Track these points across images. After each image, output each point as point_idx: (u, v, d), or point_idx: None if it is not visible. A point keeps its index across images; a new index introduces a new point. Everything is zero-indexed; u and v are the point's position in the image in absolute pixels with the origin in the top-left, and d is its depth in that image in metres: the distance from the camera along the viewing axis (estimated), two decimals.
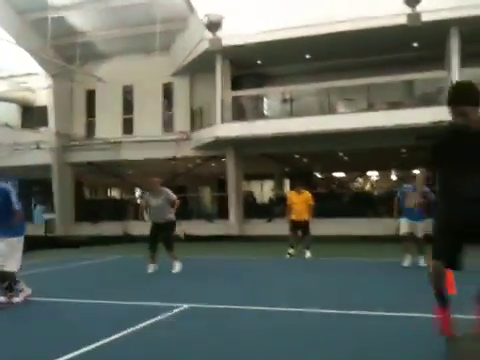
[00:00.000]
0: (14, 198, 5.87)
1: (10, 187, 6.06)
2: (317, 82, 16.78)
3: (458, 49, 14.62)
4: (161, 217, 8.71)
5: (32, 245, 14.91)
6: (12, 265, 5.86)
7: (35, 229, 19.84)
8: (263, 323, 4.97)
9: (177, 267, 8.72)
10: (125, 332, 4.54)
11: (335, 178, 24.40)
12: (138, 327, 4.74)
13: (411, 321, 4.82)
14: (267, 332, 4.55)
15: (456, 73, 14.59)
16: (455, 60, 14.65)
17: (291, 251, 10.91)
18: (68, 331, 4.79)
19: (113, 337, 4.35)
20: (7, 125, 20.63)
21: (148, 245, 8.83)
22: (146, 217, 9.31)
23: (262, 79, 18.99)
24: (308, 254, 10.85)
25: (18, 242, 5.96)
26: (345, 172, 23.81)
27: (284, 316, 5.25)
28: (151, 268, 8.71)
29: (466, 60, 14.44)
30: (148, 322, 4.94)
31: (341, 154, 19.54)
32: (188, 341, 4.32)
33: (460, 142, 3.23)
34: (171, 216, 8.80)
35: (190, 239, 17.05)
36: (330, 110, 16.71)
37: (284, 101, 18.03)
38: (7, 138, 19.85)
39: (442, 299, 3.42)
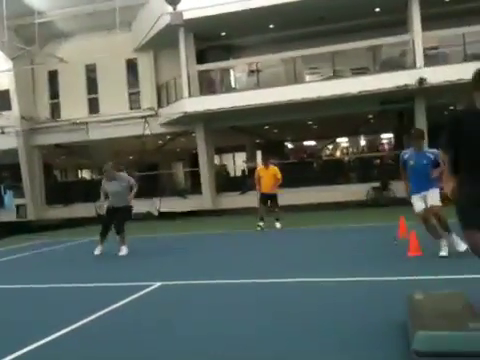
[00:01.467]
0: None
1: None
2: (282, 52, 16.70)
3: (419, 12, 14.69)
4: (119, 202, 8.68)
5: (3, 231, 14.85)
6: None
7: (6, 215, 19.61)
8: (233, 296, 5.08)
9: (123, 251, 8.66)
10: (100, 313, 4.60)
11: (306, 147, 24.55)
12: (112, 307, 4.80)
13: (363, 285, 5.00)
14: (238, 305, 4.66)
15: (419, 37, 14.72)
16: (417, 24, 14.75)
17: (261, 224, 11.10)
18: (42, 316, 4.81)
19: (86, 319, 4.39)
20: None
21: (101, 228, 8.84)
22: (100, 202, 9.25)
23: (228, 51, 18.80)
24: (278, 225, 11.13)
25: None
26: (315, 140, 23.97)
27: (254, 288, 5.37)
28: (99, 250, 8.73)
29: (427, 23, 14.53)
30: (122, 302, 5.00)
31: (310, 123, 19.65)
32: (160, 318, 4.40)
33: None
34: (128, 202, 8.78)
35: (164, 216, 17.08)
36: (297, 79, 16.70)
37: (251, 72, 17.92)
38: None
39: None
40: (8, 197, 21.57)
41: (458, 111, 3.48)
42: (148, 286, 5.69)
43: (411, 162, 6.11)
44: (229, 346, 3.47)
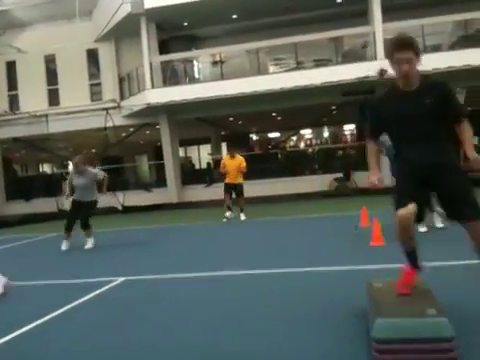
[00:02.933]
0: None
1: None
2: (246, 42, 16.65)
3: (380, 4, 14.89)
4: (84, 196, 8.59)
5: None
6: None
7: None
8: (197, 289, 5.05)
9: (89, 243, 8.64)
10: (61, 310, 4.49)
11: (270, 138, 24.67)
12: (76, 303, 4.71)
13: (330, 274, 5.06)
14: (202, 298, 4.63)
15: (379, 28, 14.93)
16: (378, 15, 14.95)
17: (228, 214, 11.12)
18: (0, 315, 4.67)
19: (47, 317, 4.29)
20: None
21: (66, 223, 8.71)
22: (66, 194, 9.10)
23: (191, 41, 18.62)
24: (243, 216, 11.15)
25: None
26: (279, 132, 24.12)
27: (218, 281, 5.35)
28: (65, 245, 8.64)
29: (388, 14, 14.75)
30: (83, 299, 4.90)
31: (274, 114, 19.73)
32: (123, 313, 4.33)
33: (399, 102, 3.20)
34: (93, 196, 8.70)
35: (128, 210, 16.85)
36: (260, 71, 16.69)
37: (214, 63, 17.81)
38: None
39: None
40: None
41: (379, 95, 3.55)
42: (111, 281, 5.59)
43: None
44: (185, 339, 3.44)
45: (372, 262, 5.22)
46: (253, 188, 13.66)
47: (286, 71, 16.80)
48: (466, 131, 3.21)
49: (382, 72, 14.16)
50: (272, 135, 24.83)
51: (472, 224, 3.11)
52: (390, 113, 3.23)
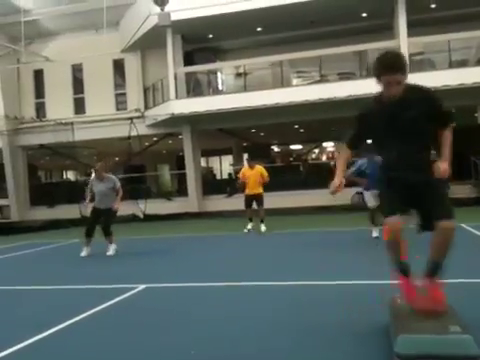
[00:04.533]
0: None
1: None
2: (270, 55, 16.75)
3: (405, 18, 14.85)
4: (104, 204, 8.67)
5: None
6: None
7: None
8: (216, 298, 5.06)
9: (111, 250, 8.70)
10: (84, 315, 4.55)
11: (292, 150, 24.65)
12: (97, 309, 4.76)
13: (352, 287, 5.02)
14: (221, 308, 4.64)
15: (405, 42, 14.86)
16: (403, 29, 14.90)
17: (249, 226, 11.10)
18: (21, 319, 4.73)
19: (69, 322, 4.34)
20: None
21: (86, 229, 8.80)
22: (86, 202, 9.24)
23: (215, 53, 18.82)
24: (263, 228, 11.06)
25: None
26: (301, 144, 24.08)
27: (237, 291, 5.35)
28: (85, 252, 8.69)
29: (413, 29, 14.69)
30: (104, 305, 4.95)
31: (297, 126, 19.72)
32: (143, 320, 4.36)
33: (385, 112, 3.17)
34: (113, 202, 8.73)
35: (149, 218, 16.97)
36: (284, 83, 16.75)
37: (238, 75, 17.94)
38: None
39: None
40: None
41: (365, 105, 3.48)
42: (132, 288, 5.64)
43: (367, 171, 7.86)
44: (211, 347, 3.44)
45: (394, 277, 5.15)
46: (274, 200, 13.66)
47: (309, 84, 16.82)
48: (448, 138, 3.25)
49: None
50: (294, 147, 24.81)
51: (444, 223, 3.01)
52: (376, 122, 3.21)
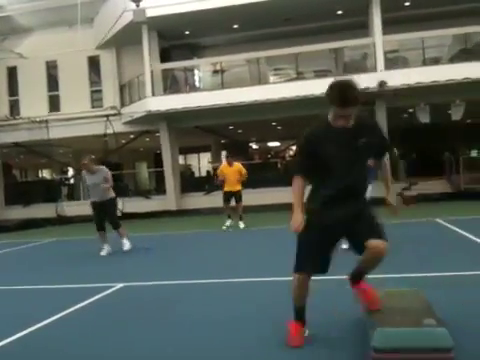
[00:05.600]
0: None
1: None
2: (246, 52, 16.75)
3: (380, 16, 15.02)
4: (99, 196, 8.56)
5: None
6: None
7: None
8: (194, 296, 5.07)
9: (127, 245, 8.65)
10: (61, 314, 4.54)
11: (270, 148, 24.73)
12: (73, 309, 4.75)
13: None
14: (198, 305, 4.65)
15: (380, 40, 15.04)
16: (378, 27, 15.07)
17: (228, 223, 11.16)
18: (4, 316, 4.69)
19: (46, 321, 4.34)
20: None
21: (96, 226, 8.65)
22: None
23: (192, 50, 18.72)
24: (242, 225, 11.20)
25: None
26: (279, 141, 24.18)
27: (216, 288, 5.37)
28: (104, 250, 8.55)
29: (388, 27, 14.87)
30: (84, 303, 4.95)
31: (274, 124, 19.79)
32: (122, 318, 4.36)
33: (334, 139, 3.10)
34: (109, 194, 8.64)
35: (127, 216, 16.81)
36: (261, 80, 16.78)
37: (215, 72, 17.89)
38: None
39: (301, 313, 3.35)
40: None
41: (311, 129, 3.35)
42: (109, 287, 5.62)
43: None
44: (183, 347, 3.46)
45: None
46: (252, 197, 13.69)
47: (286, 81, 16.89)
48: (387, 168, 3.41)
49: (382, 84, 14.32)
50: (272, 144, 24.89)
51: (374, 242, 3.02)
52: (326, 147, 3.09)
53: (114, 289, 5.57)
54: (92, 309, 4.84)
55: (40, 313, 4.60)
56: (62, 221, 16.97)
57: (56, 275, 7.01)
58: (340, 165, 3.09)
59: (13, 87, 20.09)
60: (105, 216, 8.59)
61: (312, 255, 3.22)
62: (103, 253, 8.51)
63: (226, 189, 11.23)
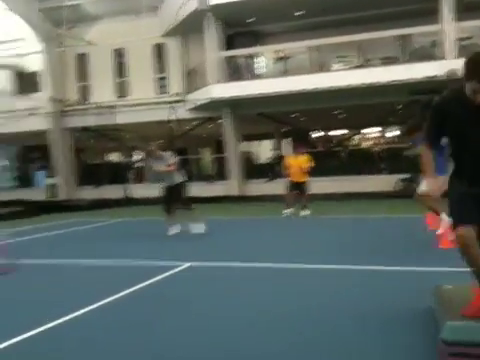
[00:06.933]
0: None
1: None
2: (311, 39, 16.59)
3: (451, 2, 14.42)
4: (168, 180, 8.87)
5: (36, 209, 15.25)
6: None
7: (37, 194, 20.13)
8: (256, 280, 5.24)
9: (196, 228, 8.81)
10: (129, 291, 4.83)
11: (333, 136, 24.44)
12: (141, 285, 5.04)
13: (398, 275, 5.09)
14: (260, 288, 4.82)
15: (449, 27, 14.47)
16: (448, 13, 14.49)
17: (288, 211, 11.25)
18: (71, 292, 5.06)
19: (115, 296, 4.63)
20: (2, 92, 20.51)
21: (164, 209, 8.97)
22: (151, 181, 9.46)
23: (256, 37, 18.77)
24: (304, 213, 11.25)
25: None
26: (342, 130, 23.84)
27: (282, 273, 5.50)
28: (172, 230, 8.87)
29: (458, 13, 14.26)
30: (151, 280, 5.24)
31: (337, 112, 19.56)
32: (187, 297, 4.60)
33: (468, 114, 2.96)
34: (179, 178, 8.91)
35: (191, 200, 17.25)
36: (324, 67, 16.61)
37: (278, 60, 17.88)
38: (3, 105, 19.79)
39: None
40: (39, 177, 22.14)
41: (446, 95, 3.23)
42: (177, 266, 5.89)
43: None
44: (247, 329, 3.62)
45: (439, 265, 5.19)
46: (314, 186, 13.64)
47: (351, 68, 16.62)
48: None
49: (451, 73, 13.79)
50: (335, 133, 24.59)
51: None
52: (459, 120, 2.99)
53: (182, 268, 5.84)
54: (161, 285, 5.11)
55: (106, 289, 4.89)
56: (130, 202, 17.67)
57: (125, 252, 7.36)
58: (472, 143, 3.00)
59: (83, 73, 20.98)
60: (174, 199, 8.85)
61: (466, 207, 3.03)
62: (170, 233, 8.85)
63: (292, 180, 11.31)
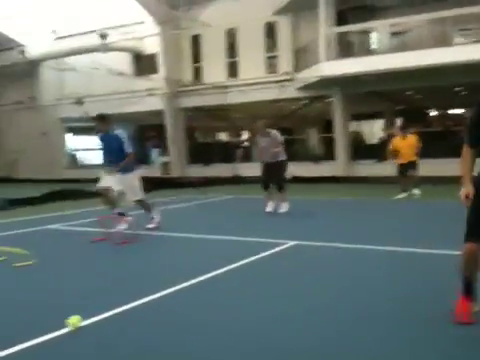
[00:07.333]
0: (126, 143, 7.04)
1: (123, 134, 7.17)
2: (429, 12, 15.46)
3: None
4: (270, 157, 8.94)
5: (151, 185, 16.16)
6: (139, 194, 7.25)
7: (152, 171, 21.34)
8: (364, 261, 5.08)
9: (283, 208, 8.99)
10: (236, 265, 4.95)
11: (452, 115, 22.80)
12: (247, 261, 5.13)
13: None
14: (367, 271, 4.66)
15: None
16: None
17: (402, 196, 10.82)
18: (184, 263, 5.31)
19: (222, 270, 4.75)
20: (121, 74, 21.83)
21: (262, 185, 9.15)
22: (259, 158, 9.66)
23: (369, 12, 17.94)
24: (416, 191, 10.78)
25: (133, 177, 7.17)
26: (463, 108, 22.13)
27: (387, 256, 5.29)
28: (269, 207, 9.03)
29: None
30: (257, 256, 5.31)
31: (458, 89, 18.16)
32: (289, 274, 4.60)
33: None
34: (281, 156, 8.98)
35: (297, 180, 17.24)
36: (445, 42, 15.43)
37: (393, 34, 16.95)
38: (122, 86, 21.10)
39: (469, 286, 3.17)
40: (154, 155, 23.42)
41: None
42: (282, 244, 5.92)
43: None
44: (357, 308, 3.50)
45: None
46: (430, 168, 12.88)
47: (475, 42, 15.25)
48: None
49: None
50: (454, 111, 22.93)
51: None
52: None
53: (287, 246, 5.86)
54: (266, 262, 5.17)
55: (214, 263, 5.02)
56: (237, 181, 18.06)
57: (233, 228, 7.58)
58: None
59: (197, 54, 21.62)
60: (273, 176, 8.96)
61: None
62: (268, 209, 8.96)
63: (400, 162, 10.88)
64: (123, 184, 7.01)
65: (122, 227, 6.97)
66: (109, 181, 6.97)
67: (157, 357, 2.82)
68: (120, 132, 7.15)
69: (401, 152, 10.76)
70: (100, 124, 7.22)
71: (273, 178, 9.01)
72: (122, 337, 3.11)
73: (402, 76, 15.28)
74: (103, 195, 7.07)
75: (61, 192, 13.38)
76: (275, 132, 9.15)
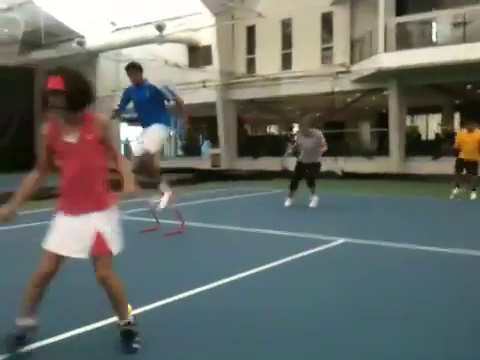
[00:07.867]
0: (167, 91, 6.11)
1: (158, 84, 6.23)
2: None
3: None
4: (309, 158, 8.96)
5: (201, 177, 16.30)
6: (154, 147, 6.18)
7: (203, 163, 21.51)
8: (416, 261, 4.86)
9: (313, 202, 8.98)
10: (287, 259, 4.87)
11: None
12: (298, 256, 5.04)
13: None
14: (414, 272, 4.44)
15: None
16: None
17: (455, 191, 10.29)
18: (234, 256, 5.27)
19: (273, 264, 4.67)
20: (176, 65, 22.01)
21: (291, 183, 9.19)
22: (288, 152, 9.64)
23: (430, 2, 17.19)
24: (474, 195, 10.21)
25: (159, 130, 6.23)
26: None
27: (437, 258, 5.04)
28: (289, 202, 9.12)
29: None
30: (306, 252, 5.21)
31: None
32: (338, 272, 4.47)
33: None
34: (318, 158, 9.01)
35: (347, 176, 16.86)
36: None
37: (456, 25, 16.15)
38: (177, 78, 21.28)
39: None
40: (205, 146, 23.58)
41: None
42: (331, 241, 5.76)
43: None
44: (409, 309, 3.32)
45: None
46: None
47: None
48: None
49: None
50: None
51: None
52: None
53: (336, 243, 5.70)
54: (313, 260, 5.03)
55: (264, 256, 4.95)
56: (286, 175, 17.84)
57: (282, 223, 7.46)
58: None
59: (251, 46, 21.47)
60: (306, 176, 9.04)
61: None
62: (287, 204, 9.05)
63: (461, 157, 10.38)
64: (146, 134, 6.23)
65: (165, 200, 6.34)
66: (140, 145, 6.26)
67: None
68: (155, 84, 6.23)
69: (465, 147, 10.24)
70: (135, 73, 6.20)
71: (306, 178, 9.10)
72: (179, 325, 3.08)
73: (464, 69, 14.57)
74: (140, 164, 6.03)
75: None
76: (319, 132, 9.08)
